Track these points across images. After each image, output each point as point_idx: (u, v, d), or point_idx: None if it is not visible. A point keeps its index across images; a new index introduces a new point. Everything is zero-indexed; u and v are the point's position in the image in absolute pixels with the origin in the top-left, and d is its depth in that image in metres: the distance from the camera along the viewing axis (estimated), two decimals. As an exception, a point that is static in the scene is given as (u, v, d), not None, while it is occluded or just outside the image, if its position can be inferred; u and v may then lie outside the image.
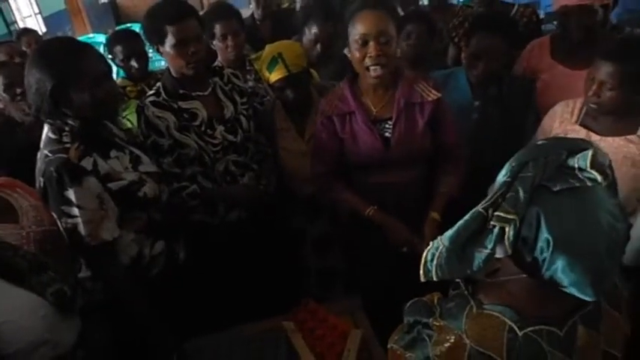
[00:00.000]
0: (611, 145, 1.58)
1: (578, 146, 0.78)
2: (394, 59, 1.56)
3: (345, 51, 1.61)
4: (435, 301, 0.93)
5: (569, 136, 1.68)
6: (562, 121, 1.71)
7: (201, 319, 1.62)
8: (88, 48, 1.43)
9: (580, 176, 0.75)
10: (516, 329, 0.80)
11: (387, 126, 1.65)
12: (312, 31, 2.28)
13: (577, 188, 0.75)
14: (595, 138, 1.61)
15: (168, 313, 1.52)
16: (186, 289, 1.67)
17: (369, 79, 1.57)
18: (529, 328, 0.80)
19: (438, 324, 0.87)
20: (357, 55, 1.53)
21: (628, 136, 1.57)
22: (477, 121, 1.92)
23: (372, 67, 1.52)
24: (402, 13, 2.59)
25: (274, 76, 1.81)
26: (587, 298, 0.75)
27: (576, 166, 0.76)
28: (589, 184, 0.75)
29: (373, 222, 1.67)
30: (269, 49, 1.85)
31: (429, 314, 0.90)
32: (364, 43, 1.50)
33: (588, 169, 0.75)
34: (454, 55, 2.67)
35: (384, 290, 1.73)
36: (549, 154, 0.77)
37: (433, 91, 1.62)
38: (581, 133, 1.64)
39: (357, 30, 1.51)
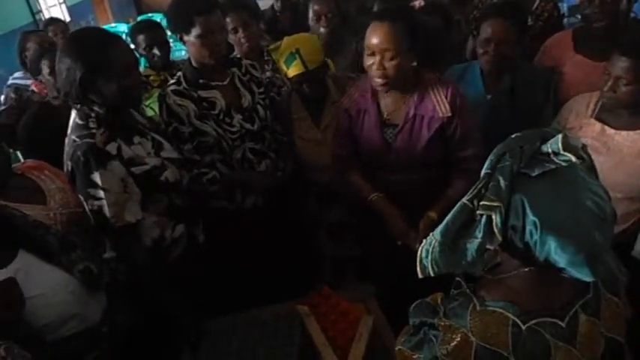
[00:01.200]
0: (627, 139, 1.59)
1: (549, 134, 0.81)
2: (402, 72, 1.53)
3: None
4: (439, 300, 0.94)
5: (584, 129, 1.69)
6: (577, 114, 1.71)
7: (218, 301, 1.67)
8: (118, 39, 1.48)
9: (555, 160, 0.78)
10: (520, 323, 0.82)
11: (393, 132, 1.66)
12: (313, 8, 2.36)
13: (554, 170, 0.78)
14: (610, 132, 1.62)
15: (187, 295, 1.56)
16: (205, 271, 1.72)
17: (373, 84, 1.59)
18: (532, 322, 0.81)
19: (443, 323, 0.88)
20: (366, 61, 1.56)
21: (643, 130, 1.57)
22: (488, 114, 1.92)
23: (374, 77, 1.55)
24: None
25: (292, 72, 1.84)
26: (586, 279, 0.77)
27: (550, 150, 0.79)
28: (564, 164, 0.78)
29: (374, 209, 1.68)
30: (287, 43, 1.87)
31: (433, 314, 0.91)
32: (371, 53, 1.52)
33: (561, 151, 0.78)
34: (473, 48, 2.66)
35: (396, 278, 1.76)
36: (524, 143, 0.81)
37: (446, 108, 1.58)
38: (596, 126, 1.65)
39: (367, 39, 1.53)
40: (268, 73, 2.27)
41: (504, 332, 0.82)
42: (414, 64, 1.57)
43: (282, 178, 1.99)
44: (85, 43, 1.41)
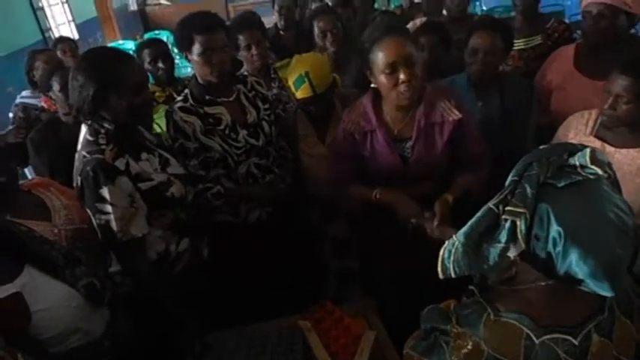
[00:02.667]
0: (626, 157, 1.60)
1: (577, 148, 0.82)
2: (420, 79, 1.55)
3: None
4: (451, 307, 0.94)
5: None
6: (577, 132, 1.73)
7: (222, 315, 1.67)
8: (131, 58, 1.53)
9: (582, 172, 0.79)
10: (533, 337, 0.82)
11: (406, 145, 1.66)
12: (318, 25, 2.43)
13: (581, 182, 0.78)
14: (610, 150, 1.63)
15: (191, 308, 1.58)
16: (208, 285, 1.73)
17: (400, 101, 1.54)
18: (545, 337, 0.81)
19: (456, 330, 0.88)
20: (386, 82, 1.51)
21: (643, 148, 1.58)
22: (480, 121, 1.94)
23: (405, 92, 1.51)
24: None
25: (300, 94, 1.88)
26: (604, 293, 0.77)
27: (577, 163, 0.80)
28: (592, 177, 0.79)
29: (382, 203, 1.66)
30: (296, 65, 1.89)
31: (445, 321, 0.91)
32: (393, 70, 1.49)
33: (589, 164, 0.78)
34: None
35: (398, 293, 1.77)
36: (551, 155, 0.81)
37: (455, 111, 1.61)
38: (595, 144, 1.65)
39: (383, 58, 1.49)
40: (275, 90, 2.32)
41: (517, 344, 0.82)
42: None
43: (285, 191, 2.01)
44: (99, 61, 1.45)
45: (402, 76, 1.49)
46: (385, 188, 1.67)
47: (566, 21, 4.59)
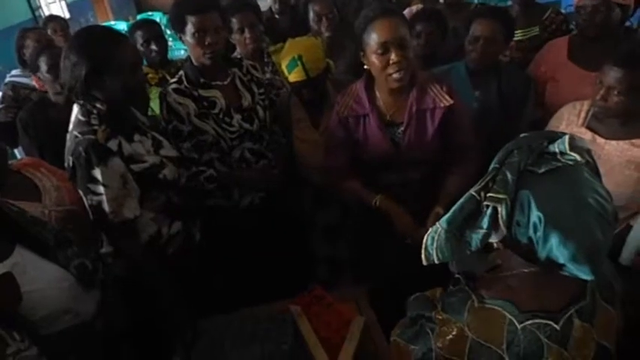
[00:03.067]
0: (617, 149, 1.62)
1: (556, 135, 0.84)
2: (412, 63, 1.56)
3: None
4: (437, 295, 0.97)
5: (575, 138, 1.72)
6: (569, 123, 1.74)
7: (213, 299, 1.69)
8: (124, 38, 1.51)
9: (561, 159, 0.81)
10: (516, 322, 0.83)
11: (398, 130, 1.67)
12: (314, 9, 2.40)
13: (560, 168, 0.80)
14: (600, 141, 1.65)
15: (182, 292, 1.58)
16: (200, 269, 1.73)
17: (390, 84, 1.56)
18: (528, 322, 0.83)
19: (440, 317, 0.90)
20: (378, 62, 1.53)
21: (633, 140, 1.61)
22: (477, 110, 1.97)
23: (394, 74, 1.52)
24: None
25: (293, 77, 1.87)
26: (585, 277, 0.79)
27: (557, 150, 0.82)
28: (571, 163, 0.80)
29: (380, 211, 1.69)
30: (289, 48, 1.89)
31: (431, 308, 0.93)
32: (385, 50, 1.50)
33: (567, 151, 0.80)
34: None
35: (388, 280, 1.78)
36: (531, 142, 0.83)
37: (446, 97, 1.62)
38: (587, 135, 1.67)
39: (376, 38, 1.50)
40: (268, 75, 2.30)
41: (500, 330, 0.84)
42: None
43: (278, 177, 2.01)
44: (93, 40, 1.43)
45: (393, 57, 1.50)
46: (385, 198, 1.69)
47: (562, 11, 4.60)
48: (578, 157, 0.80)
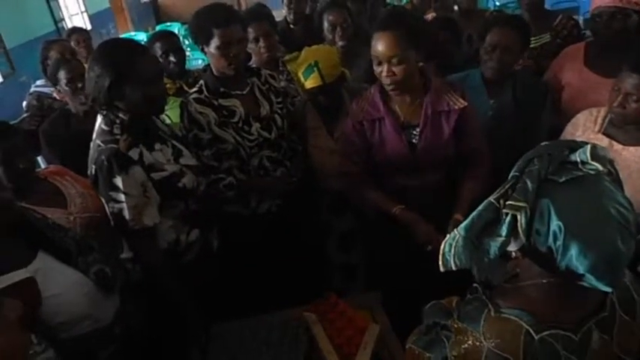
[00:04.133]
0: (634, 155, 1.60)
1: (577, 144, 0.83)
2: (409, 74, 1.60)
3: None
4: (454, 304, 0.95)
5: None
6: (585, 129, 1.72)
7: (228, 305, 1.70)
8: (145, 50, 1.55)
9: (583, 168, 0.80)
10: (533, 333, 0.82)
11: (414, 132, 1.69)
12: (328, 18, 2.42)
13: (581, 177, 0.79)
14: (618, 147, 1.63)
15: (198, 298, 1.60)
16: (216, 276, 1.75)
17: (386, 88, 1.64)
18: (545, 332, 0.82)
19: (456, 326, 0.89)
20: (376, 70, 1.63)
21: (651, 146, 1.58)
22: (492, 119, 1.96)
23: (386, 85, 1.62)
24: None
25: (309, 83, 1.90)
26: (604, 288, 0.77)
27: (578, 160, 0.80)
28: (592, 173, 0.79)
29: (399, 221, 1.69)
30: (306, 55, 1.92)
31: (447, 316, 0.92)
32: (378, 63, 1.60)
33: (589, 161, 0.79)
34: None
35: (403, 288, 1.78)
36: (552, 151, 0.82)
37: (460, 100, 1.67)
38: (604, 142, 1.65)
39: (373, 50, 1.60)
40: (283, 84, 2.33)
41: (517, 340, 0.82)
42: (420, 64, 1.64)
43: (296, 185, 2.02)
44: (115, 52, 1.47)
45: (383, 71, 1.59)
46: (404, 208, 1.70)
47: (580, 17, 4.55)
48: (599, 167, 0.79)
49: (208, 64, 1.93)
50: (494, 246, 0.82)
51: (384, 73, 1.59)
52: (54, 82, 2.31)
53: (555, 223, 0.77)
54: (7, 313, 0.93)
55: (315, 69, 1.86)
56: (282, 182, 1.98)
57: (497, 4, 6.08)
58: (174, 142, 1.66)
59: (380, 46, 1.57)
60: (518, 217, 0.79)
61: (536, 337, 0.82)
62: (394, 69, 1.57)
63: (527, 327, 0.82)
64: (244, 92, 1.89)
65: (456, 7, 3.09)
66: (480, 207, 0.85)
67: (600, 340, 0.83)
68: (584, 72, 2.04)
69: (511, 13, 2.58)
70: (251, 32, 2.21)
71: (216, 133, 1.84)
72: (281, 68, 2.39)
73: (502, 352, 0.83)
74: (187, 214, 1.65)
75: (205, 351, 1.51)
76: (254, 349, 1.49)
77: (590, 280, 0.77)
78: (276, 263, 1.96)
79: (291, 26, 3.18)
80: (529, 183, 0.80)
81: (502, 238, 0.81)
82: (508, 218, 0.80)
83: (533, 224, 0.79)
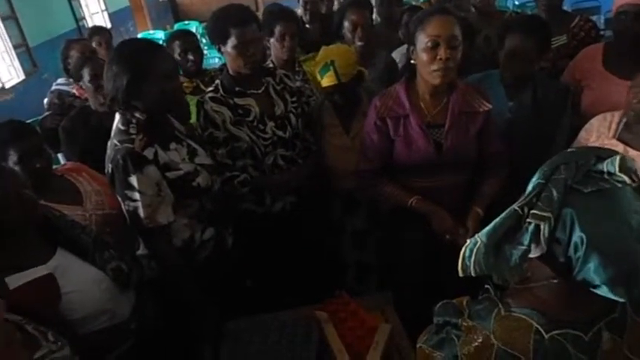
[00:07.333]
0: (649, 160, 1.57)
1: (606, 153, 0.81)
2: (457, 66, 1.58)
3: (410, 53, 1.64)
4: (464, 303, 0.94)
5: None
6: (599, 135, 1.70)
7: (241, 302, 1.72)
8: (161, 48, 1.57)
9: (610, 180, 0.78)
10: (542, 332, 0.82)
11: (440, 131, 1.67)
12: (350, 18, 2.40)
13: (607, 190, 0.77)
14: (633, 153, 1.60)
15: (212, 295, 1.61)
16: (230, 273, 1.77)
17: (433, 79, 1.57)
18: (555, 332, 0.81)
19: (466, 324, 0.89)
20: (425, 58, 1.54)
21: (666, 151, 1.55)
22: (511, 121, 1.93)
23: (439, 70, 1.53)
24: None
25: (325, 82, 1.90)
26: (617, 298, 0.76)
27: (605, 170, 0.78)
28: (619, 186, 0.78)
29: (417, 212, 1.69)
30: (324, 53, 1.93)
31: (458, 315, 0.92)
32: (435, 45, 1.52)
33: (617, 172, 0.77)
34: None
35: (415, 288, 1.78)
36: (579, 159, 0.80)
37: (485, 102, 1.66)
38: (618, 147, 1.62)
39: (427, 33, 1.53)
40: (298, 83, 2.34)
41: (527, 339, 0.82)
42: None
43: (309, 183, 2.03)
44: (132, 51, 1.50)
45: (441, 53, 1.51)
46: (422, 199, 1.69)
47: (601, 17, 4.45)
48: (626, 179, 0.77)
49: (225, 64, 1.95)
50: (515, 254, 0.82)
51: (444, 55, 1.50)
52: (77, 78, 2.36)
53: (578, 235, 0.76)
54: None
55: (331, 67, 1.86)
56: (293, 174, 1.98)
57: (517, 3, 6.00)
58: (189, 141, 1.68)
59: (440, 26, 1.52)
60: (542, 226, 0.78)
61: (546, 336, 0.81)
62: (451, 52, 1.51)
63: (537, 326, 0.82)
64: (259, 91, 1.91)
65: (472, 8, 3.05)
66: (503, 214, 0.84)
67: (611, 340, 0.83)
68: (602, 74, 2.01)
69: (530, 16, 2.51)
70: (279, 29, 2.24)
71: (231, 132, 1.86)
72: (297, 68, 2.40)
73: (512, 351, 0.83)
74: (202, 213, 1.66)
75: (218, 347, 1.53)
76: (266, 346, 1.49)
77: (605, 291, 0.76)
78: (289, 261, 1.97)
79: (307, 26, 3.19)
80: (554, 192, 0.78)
81: (524, 247, 0.80)
82: (531, 227, 0.79)
83: (555, 233, 0.79)
